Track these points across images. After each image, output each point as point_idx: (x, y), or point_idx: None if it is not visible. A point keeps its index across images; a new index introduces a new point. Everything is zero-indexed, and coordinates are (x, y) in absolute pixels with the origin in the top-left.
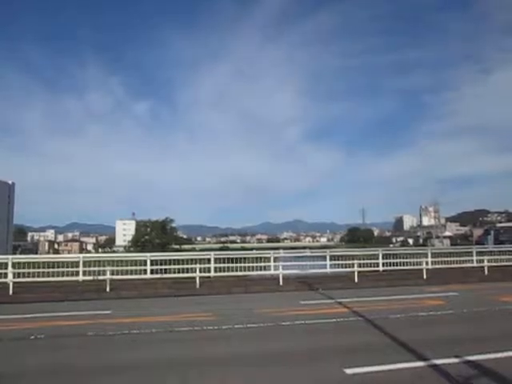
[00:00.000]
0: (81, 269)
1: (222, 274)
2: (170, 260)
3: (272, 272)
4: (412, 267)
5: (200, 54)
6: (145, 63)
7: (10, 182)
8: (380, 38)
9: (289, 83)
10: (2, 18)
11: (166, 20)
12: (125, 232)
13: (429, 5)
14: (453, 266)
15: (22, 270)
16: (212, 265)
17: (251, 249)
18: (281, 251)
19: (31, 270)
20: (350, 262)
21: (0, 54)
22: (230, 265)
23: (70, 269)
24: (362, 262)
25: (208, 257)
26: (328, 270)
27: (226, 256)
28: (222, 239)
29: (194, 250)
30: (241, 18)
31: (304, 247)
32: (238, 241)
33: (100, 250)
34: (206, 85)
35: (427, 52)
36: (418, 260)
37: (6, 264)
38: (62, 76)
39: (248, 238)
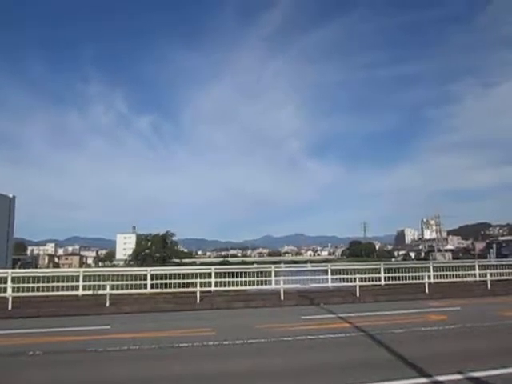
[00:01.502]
0: (81, 283)
1: (222, 288)
2: (170, 274)
3: (273, 286)
4: (414, 281)
5: (202, 68)
6: (147, 78)
7: (10, 196)
8: (381, 51)
9: (290, 97)
10: (5, 31)
11: (168, 35)
12: (125, 246)
13: (431, 18)
14: (455, 280)
15: (21, 285)
16: (212, 279)
17: (252, 263)
18: (282, 265)
19: (30, 285)
20: (352, 276)
21: (2, 68)
22: (231, 279)
23: (69, 283)
24: (363, 276)
25: (209, 271)
26: (329, 284)
27: (226, 270)
28: (223, 253)
29: (194, 264)
30: (243, 33)
31: (305, 261)
32: (239, 255)
33: (100, 263)
34: (208, 99)
35: (429, 66)
36: (420, 274)
37: (6, 278)
38: (64, 90)
39: (249, 251)
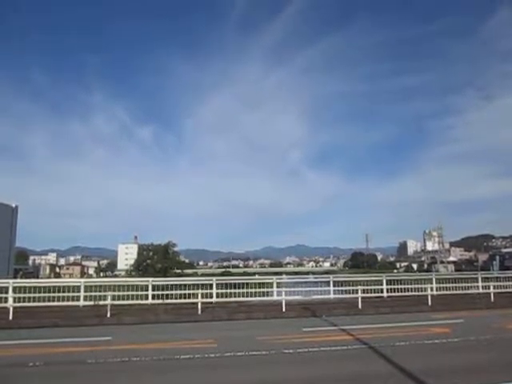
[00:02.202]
0: (82, 294)
1: (223, 299)
2: (171, 285)
3: (275, 298)
4: (417, 293)
5: (204, 78)
6: (148, 87)
7: (13, 205)
8: (383, 63)
9: (291, 108)
10: (8, 40)
11: (170, 46)
12: (127, 256)
13: (432, 31)
14: (458, 292)
15: (22, 295)
16: (214, 290)
17: (254, 274)
18: (284, 276)
19: (31, 295)
20: (354, 287)
21: (6, 78)
22: (232, 290)
23: (70, 293)
24: (365, 287)
25: (210, 282)
26: (331, 295)
27: (228, 281)
28: (225, 264)
29: (195, 274)
30: (244, 45)
31: (307, 272)
32: (241, 265)
33: (101, 273)
34: (209, 110)
35: (430, 78)
36: (423, 286)
37: (7, 288)
38: (66, 100)
39: (250, 262)
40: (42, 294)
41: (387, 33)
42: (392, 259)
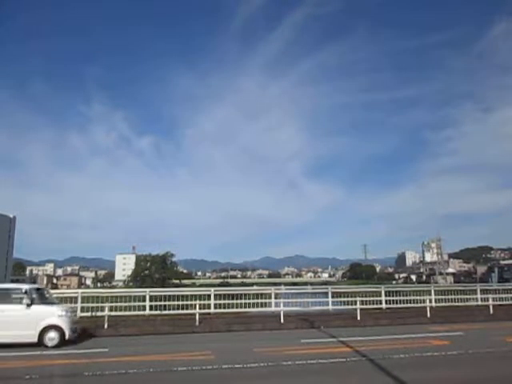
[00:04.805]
0: (79, 305)
1: (221, 310)
2: (169, 296)
3: (273, 309)
4: (415, 305)
5: (203, 89)
6: (148, 98)
7: (11, 216)
8: (382, 74)
9: (290, 119)
10: (9, 53)
11: (169, 58)
12: (125, 266)
13: (431, 43)
14: (457, 304)
15: None
16: (212, 301)
17: (252, 284)
18: (282, 287)
19: None
20: (353, 299)
21: (5, 88)
22: (230, 301)
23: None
24: (364, 299)
25: (208, 293)
26: (330, 307)
27: (226, 292)
28: (223, 274)
29: (193, 285)
30: (244, 55)
31: (305, 283)
32: (239, 276)
33: (99, 284)
34: (209, 120)
35: (429, 90)
36: (422, 298)
37: None
38: (65, 110)
39: (249, 273)
40: None
41: (387, 44)
42: (390, 270)
